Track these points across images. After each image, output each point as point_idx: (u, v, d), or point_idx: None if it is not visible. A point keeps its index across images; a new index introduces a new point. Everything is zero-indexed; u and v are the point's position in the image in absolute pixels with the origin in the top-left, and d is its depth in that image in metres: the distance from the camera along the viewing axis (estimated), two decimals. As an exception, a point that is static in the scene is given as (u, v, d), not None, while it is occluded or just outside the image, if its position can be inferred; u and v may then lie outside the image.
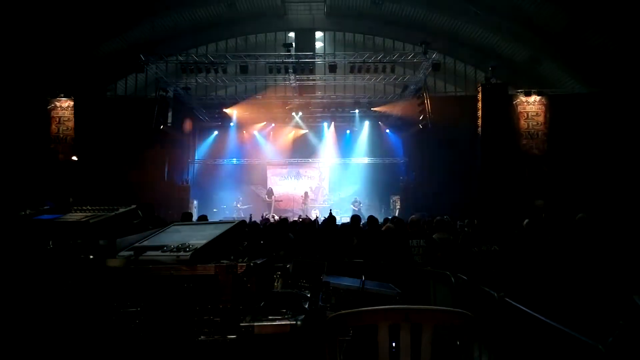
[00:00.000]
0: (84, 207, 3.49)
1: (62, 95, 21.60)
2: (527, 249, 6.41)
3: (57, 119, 21.63)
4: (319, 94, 26.03)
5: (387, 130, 27.25)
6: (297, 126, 27.48)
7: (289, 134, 27.93)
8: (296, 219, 17.91)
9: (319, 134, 28.11)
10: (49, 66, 21.05)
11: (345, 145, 27.97)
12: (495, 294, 4.70)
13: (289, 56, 21.99)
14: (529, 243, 6.80)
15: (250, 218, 18.96)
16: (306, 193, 26.77)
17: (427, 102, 22.71)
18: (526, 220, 8.28)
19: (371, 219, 10.90)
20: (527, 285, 5.37)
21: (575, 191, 19.27)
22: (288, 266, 5.06)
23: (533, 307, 4.02)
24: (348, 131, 28.00)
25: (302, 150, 28.15)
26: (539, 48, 23.57)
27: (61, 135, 21.56)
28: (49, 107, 21.57)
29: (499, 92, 22.04)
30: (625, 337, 3.06)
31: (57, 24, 19.27)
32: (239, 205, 25.81)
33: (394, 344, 2.43)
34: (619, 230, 6.02)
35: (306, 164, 28.66)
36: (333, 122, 27.52)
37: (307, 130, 27.87)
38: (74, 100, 21.45)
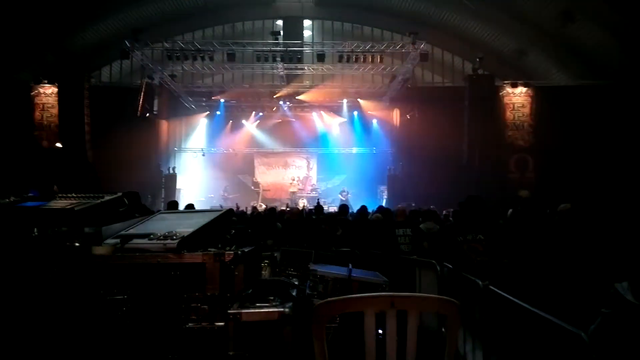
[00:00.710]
0: (69, 195, 3.47)
1: (46, 81, 21.36)
2: (511, 238, 6.46)
3: (41, 106, 21.42)
4: (306, 83, 25.96)
5: (375, 121, 27.26)
6: (285, 115, 27.40)
7: (277, 123, 27.84)
8: (284, 208, 17.93)
9: (306, 123, 28.04)
10: (32, 52, 20.83)
11: (333, 135, 27.93)
12: (480, 282, 4.74)
13: (277, 44, 21.92)
14: (513, 232, 6.85)
15: (237, 207, 18.92)
16: (293, 179, 26.77)
17: (415, 92, 22.76)
18: (510, 210, 8.36)
19: (362, 208, 10.98)
20: (512, 274, 5.42)
21: (560, 182, 19.40)
22: (276, 255, 5.07)
23: (517, 295, 4.06)
24: (336, 121, 27.95)
25: (289, 140, 28.09)
26: (527, 40, 23.67)
27: (45, 122, 21.36)
28: (32, 94, 21.35)
29: (486, 83, 22.14)
30: (607, 325, 3.10)
31: (39, 8, 19.04)
32: (225, 195, 25.75)
33: (380, 331, 2.45)
34: (603, 220, 6.08)
35: (294, 153, 28.63)
36: (321, 112, 27.45)
37: (294, 120, 27.79)
38: (58, 87, 21.21)
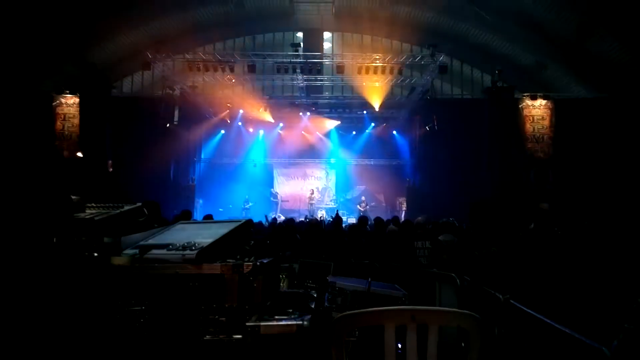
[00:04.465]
0: (89, 204, 3.47)
1: (68, 91, 21.56)
2: (532, 251, 6.37)
3: (62, 116, 21.57)
4: (326, 94, 26.00)
5: (394, 132, 27.21)
6: (305, 126, 27.44)
7: (296, 134, 27.88)
8: (302, 219, 17.90)
9: (326, 134, 28.07)
10: (54, 63, 21.05)
11: (352, 147, 27.93)
12: (501, 296, 4.67)
13: (297, 56, 21.98)
14: (534, 246, 6.76)
15: (266, 219, 18.83)
16: (312, 191, 26.76)
17: (434, 104, 22.68)
18: (532, 224, 8.25)
19: (377, 220, 10.91)
20: (533, 287, 5.34)
21: (580, 194, 19.19)
22: (294, 266, 5.05)
23: (538, 310, 3.99)
24: (355, 132, 27.95)
25: (309, 151, 28.15)
26: (546, 52, 23.50)
27: (66, 132, 21.51)
28: (54, 104, 21.55)
29: (505, 95, 21.98)
30: (630, 340, 3.03)
31: (62, 19, 19.25)
32: (245, 206, 25.76)
33: (400, 345, 2.41)
34: (624, 234, 5.97)
35: (313, 164, 28.67)
36: (340, 123, 27.46)
37: (315, 131, 27.82)
38: (80, 97, 21.40)
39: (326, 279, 4.45)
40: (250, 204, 25.66)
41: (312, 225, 11.95)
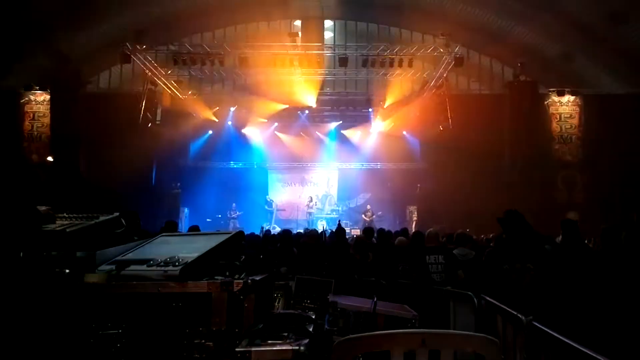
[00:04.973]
0: (60, 215, 3.47)
1: (37, 87, 21.54)
2: (560, 267, 6.36)
3: (31, 115, 21.62)
4: (327, 90, 26.03)
5: (404, 132, 27.21)
6: (303, 126, 27.44)
7: (293, 134, 27.88)
8: (301, 230, 17.89)
9: (327, 135, 28.07)
10: (22, 55, 21.03)
11: (356, 149, 27.91)
12: (523, 318, 4.67)
13: (295, 47, 22.00)
14: (562, 261, 6.75)
15: (261, 230, 18.84)
16: (311, 198, 26.73)
17: (448, 100, 22.70)
18: (560, 237, 8.23)
19: (381, 232, 10.89)
20: (560, 308, 5.34)
21: (613, 202, 19.19)
22: (290, 284, 5.04)
23: (566, 333, 3.98)
24: (360, 132, 27.92)
25: (307, 154, 28.10)
26: (574, 42, 23.51)
27: (35, 133, 21.55)
28: (21, 102, 21.54)
29: (529, 90, 22.07)
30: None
31: (30, 5, 19.18)
32: (232, 214, 25.68)
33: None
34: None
35: (312, 169, 28.65)
36: (343, 122, 27.46)
37: (313, 131, 27.82)
38: (51, 94, 21.40)
39: (326, 299, 4.45)
40: (238, 213, 25.60)
41: (311, 237, 11.93)
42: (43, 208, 3.36)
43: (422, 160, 26.16)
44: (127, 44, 20.57)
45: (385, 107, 25.89)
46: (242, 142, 27.71)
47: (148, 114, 22.11)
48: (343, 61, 21.80)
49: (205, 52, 21.59)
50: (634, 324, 4.49)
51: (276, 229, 21.53)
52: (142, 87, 22.94)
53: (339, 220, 18.47)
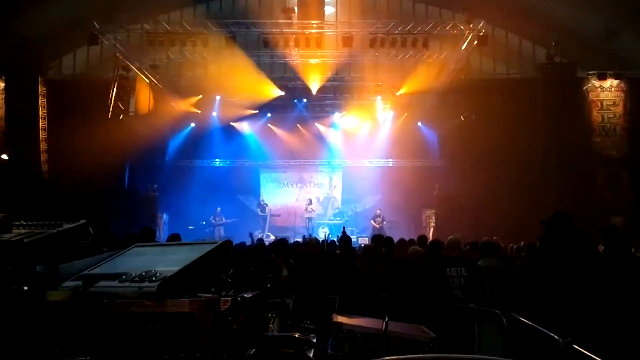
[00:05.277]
0: (17, 222, 3.47)
1: (-12, 73, 21.56)
2: (602, 280, 6.35)
3: (-19, 106, 21.60)
4: (328, 74, 26.03)
5: (419, 124, 27.22)
6: (301, 116, 27.45)
7: (289, 127, 27.87)
8: (299, 239, 17.90)
9: (328, 127, 28.07)
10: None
11: (363, 143, 27.90)
12: (560, 340, 4.67)
13: (290, 25, 21.98)
14: (605, 273, 6.74)
15: (251, 238, 18.87)
16: (310, 201, 26.73)
17: (471, 87, 22.70)
18: (601, 245, 8.22)
19: (393, 240, 10.90)
20: (603, 328, 5.34)
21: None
22: (288, 302, 5.05)
23: (608, 357, 3.98)
24: (367, 124, 27.92)
25: (306, 149, 28.10)
26: (617, 17, 23.49)
27: (-14, 127, 21.55)
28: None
29: (565, 74, 22.05)
30: None
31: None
32: (217, 221, 25.68)
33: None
34: None
35: (311, 167, 28.67)
36: (347, 112, 27.46)
37: (313, 123, 27.83)
38: (5, 81, 21.39)
39: (329, 318, 4.45)
40: (225, 220, 25.61)
41: (311, 247, 11.95)
42: (-3, 214, 3.36)
43: (441, 156, 26.18)
44: (95, 22, 20.54)
45: (397, 94, 25.89)
46: (229, 136, 27.73)
47: (119, 104, 22.11)
48: (347, 41, 21.77)
49: (186, 31, 21.57)
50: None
51: (270, 238, 21.55)
52: (113, 73, 22.90)
53: (344, 227, 18.50)
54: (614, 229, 7.97)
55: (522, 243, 12.28)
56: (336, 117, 27.72)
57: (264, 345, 3.23)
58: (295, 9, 23.22)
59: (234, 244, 12.30)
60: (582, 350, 4.36)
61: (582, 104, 21.92)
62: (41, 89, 21.26)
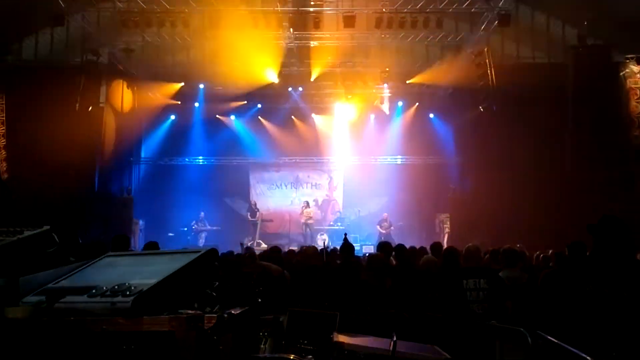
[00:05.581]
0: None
1: None
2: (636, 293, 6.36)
3: None
4: (328, 59, 26.02)
5: (431, 116, 27.24)
6: (296, 108, 27.45)
7: (283, 120, 27.87)
8: (294, 248, 17.92)
9: (328, 119, 28.07)
10: None
11: (367, 138, 27.91)
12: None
13: (284, 2, 21.98)
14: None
15: (241, 247, 18.91)
16: (307, 204, 26.72)
17: (492, 72, 22.72)
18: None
19: (402, 248, 10.90)
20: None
21: None
22: (281, 319, 5.06)
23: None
24: (373, 116, 27.94)
25: (302, 145, 28.11)
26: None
27: None
28: None
29: (599, 58, 22.05)
30: None
31: None
32: (200, 227, 25.68)
33: None
34: None
35: (309, 165, 28.68)
36: (349, 102, 27.47)
37: (310, 115, 27.83)
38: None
39: (329, 338, 4.46)
40: (209, 227, 25.61)
41: (308, 256, 11.96)
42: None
43: (456, 152, 26.19)
44: (60, 1, 20.53)
45: (406, 82, 25.88)
46: (214, 130, 27.76)
47: (88, 93, 22.05)
48: (349, 21, 21.73)
49: (164, 9, 21.53)
50: None
51: (262, 246, 21.57)
52: (81, 59, 22.89)
53: (346, 234, 18.50)
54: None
55: (550, 251, 12.23)
56: (337, 108, 27.67)
57: (254, 369, 3.23)
58: (290, -16, 23.26)
59: (220, 253, 12.34)
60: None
61: (618, 92, 21.91)
62: (-2, 76, 21.30)
